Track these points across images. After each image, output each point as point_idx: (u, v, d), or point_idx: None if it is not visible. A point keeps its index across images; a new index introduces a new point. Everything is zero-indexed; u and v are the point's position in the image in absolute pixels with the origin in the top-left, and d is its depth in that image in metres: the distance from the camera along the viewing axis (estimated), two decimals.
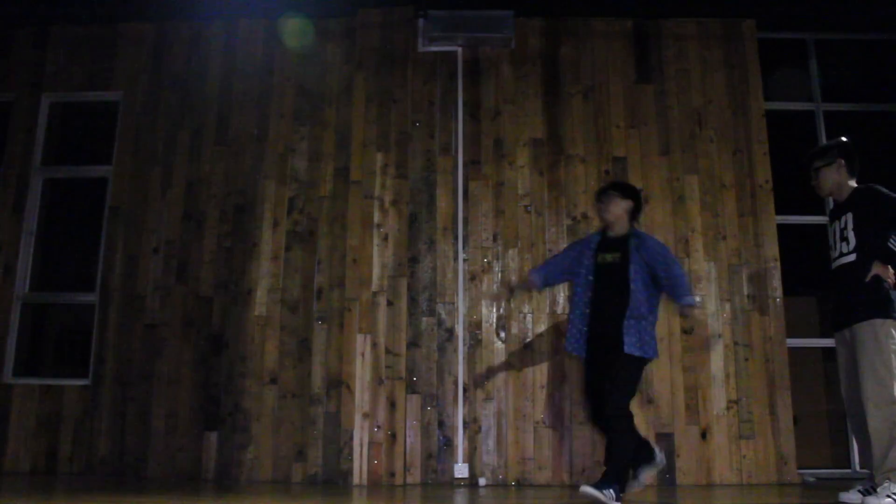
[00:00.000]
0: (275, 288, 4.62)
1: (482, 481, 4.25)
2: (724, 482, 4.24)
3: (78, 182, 5.24)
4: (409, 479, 4.23)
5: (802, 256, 5.07)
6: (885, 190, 3.27)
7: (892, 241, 3.12)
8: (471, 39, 4.79)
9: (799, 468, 4.31)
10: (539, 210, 4.63)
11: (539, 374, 4.39)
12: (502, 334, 4.47)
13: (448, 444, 4.32)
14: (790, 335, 4.52)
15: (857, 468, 4.46)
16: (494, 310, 4.51)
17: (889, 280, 3.16)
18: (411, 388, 4.38)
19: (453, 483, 4.24)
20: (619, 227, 3.43)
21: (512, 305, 4.51)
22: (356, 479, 4.20)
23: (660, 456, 3.46)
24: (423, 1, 4.79)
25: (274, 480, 4.33)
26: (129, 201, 4.85)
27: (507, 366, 4.41)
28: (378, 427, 4.29)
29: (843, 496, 3.21)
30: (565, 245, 4.57)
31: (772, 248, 4.57)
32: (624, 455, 3.21)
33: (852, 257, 3.26)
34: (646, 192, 4.64)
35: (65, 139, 5.26)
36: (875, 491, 3.07)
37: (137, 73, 5.05)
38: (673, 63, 4.85)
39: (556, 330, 4.45)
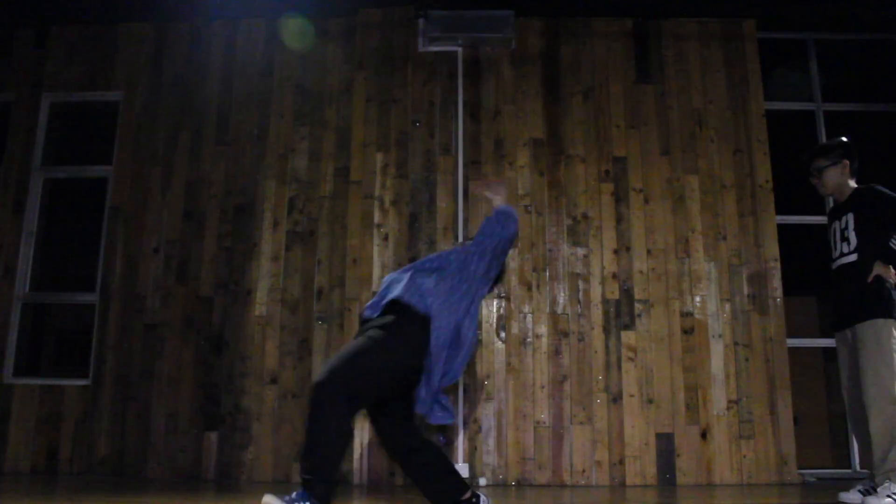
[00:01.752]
0: (275, 288, 4.62)
1: (482, 481, 4.25)
2: (724, 482, 4.24)
3: (78, 182, 5.24)
4: (410, 480, 4.23)
5: (802, 256, 5.07)
6: (886, 190, 3.27)
7: (893, 241, 3.12)
8: (471, 39, 4.79)
9: (799, 468, 4.31)
10: (539, 210, 4.63)
11: (539, 374, 4.40)
12: (502, 334, 4.47)
13: (448, 444, 4.32)
14: (790, 335, 4.52)
15: (857, 468, 4.46)
16: (494, 310, 4.52)
17: (890, 280, 3.17)
18: None
19: None
20: None
21: (512, 305, 4.51)
22: (356, 479, 4.21)
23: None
24: (424, 1, 4.79)
25: (274, 480, 4.33)
26: (129, 201, 4.85)
27: (507, 366, 4.42)
28: None
29: (843, 496, 3.21)
30: (565, 245, 4.59)
31: (772, 248, 4.57)
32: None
33: (853, 257, 3.26)
34: (646, 192, 4.65)
35: (65, 139, 5.26)
36: (875, 491, 3.08)
37: (137, 73, 5.05)
38: (673, 63, 4.85)
39: (556, 330, 4.45)
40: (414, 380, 2.57)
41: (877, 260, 3.18)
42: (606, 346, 4.42)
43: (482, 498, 2.71)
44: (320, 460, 2.32)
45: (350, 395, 2.34)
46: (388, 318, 2.56)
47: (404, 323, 2.54)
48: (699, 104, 4.79)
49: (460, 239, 4.58)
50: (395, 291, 2.62)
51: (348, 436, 2.40)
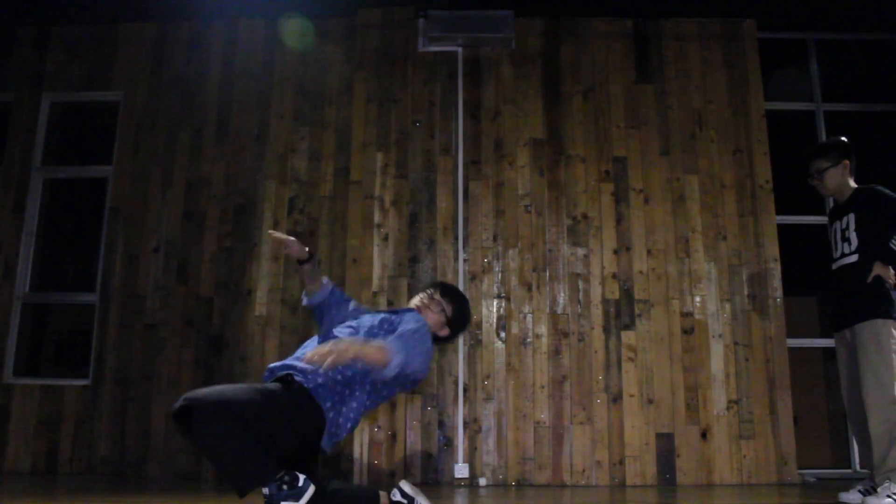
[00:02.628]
0: (275, 288, 4.62)
1: (482, 481, 4.25)
2: (724, 482, 4.24)
3: (78, 182, 5.24)
4: (409, 480, 4.23)
5: (802, 256, 5.07)
6: (886, 190, 3.27)
7: (893, 241, 3.12)
8: (471, 39, 4.79)
9: (799, 468, 4.31)
10: (539, 210, 4.63)
11: (539, 374, 4.39)
12: (502, 334, 4.47)
13: (448, 444, 4.32)
14: (790, 335, 4.52)
15: (857, 468, 4.46)
16: (494, 310, 4.51)
17: (890, 281, 3.17)
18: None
19: (453, 483, 4.24)
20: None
21: (512, 305, 4.51)
22: (356, 479, 4.20)
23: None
24: (423, 1, 4.79)
25: None
26: (129, 201, 4.85)
27: (507, 366, 4.42)
28: (378, 427, 4.29)
29: (843, 496, 3.21)
30: (565, 245, 4.58)
31: (772, 248, 4.57)
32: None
33: (854, 258, 3.26)
34: (646, 192, 4.65)
35: (65, 139, 5.26)
36: (875, 491, 3.07)
37: (137, 73, 5.05)
38: (673, 63, 4.85)
39: (556, 330, 4.45)
40: (304, 449, 2.28)
41: (877, 260, 3.18)
42: (606, 346, 4.42)
43: (396, 491, 2.47)
44: (240, 473, 2.02)
45: (227, 408, 2.01)
46: (285, 390, 2.24)
47: (302, 404, 2.24)
48: (699, 104, 4.79)
49: (460, 239, 4.58)
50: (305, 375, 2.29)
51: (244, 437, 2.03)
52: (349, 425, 2.35)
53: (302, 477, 2.09)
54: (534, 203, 4.64)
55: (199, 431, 1.99)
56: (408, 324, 2.48)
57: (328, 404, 2.27)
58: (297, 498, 2.05)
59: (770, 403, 4.34)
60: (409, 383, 2.54)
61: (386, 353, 2.27)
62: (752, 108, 4.78)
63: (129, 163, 4.92)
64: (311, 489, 2.08)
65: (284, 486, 2.05)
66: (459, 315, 2.70)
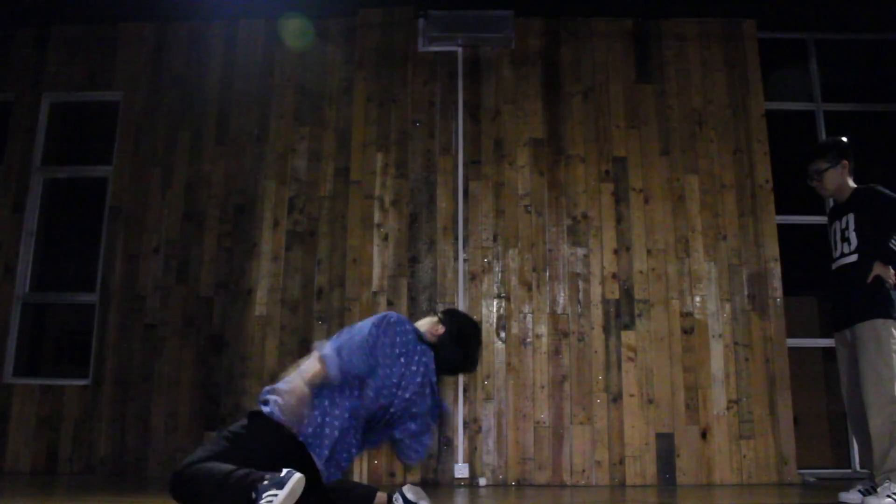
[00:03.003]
0: (275, 288, 4.63)
1: (482, 481, 4.25)
2: (724, 482, 4.24)
3: (78, 182, 5.24)
4: (410, 479, 4.23)
5: (802, 256, 5.07)
6: (886, 190, 3.27)
7: (892, 241, 3.12)
8: (471, 39, 4.79)
9: (799, 468, 4.31)
10: (539, 210, 4.63)
11: (539, 374, 4.39)
12: (502, 334, 4.47)
13: (448, 444, 4.32)
14: (790, 335, 4.52)
15: (857, 468, 4.46)
16: (494, 310, 4.52)
17: (890, 280, 3.17)
18: None
19: (453, 483, 4.24)
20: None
21: (512, 305, 4.51)
22: (356, 479, 4.20)
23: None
24: (424, 1, 4.79)
25: None
26: (129, 201, 4.85)
27: (507, 366, 4.42)
28: None
29: (843, 496, 3.21)
30: (565, 245, 4.58)
31: (772, 248, 4.57)
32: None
33: (854, 258, 3.26)
34: (646, 192, 4.65)
35: (65, 139, 5.26)
36: (875, 491, 3.07)
37: (137, 73, 5.05)
38: (673, 63, 4.85)
39: (556, 330, 4.45)
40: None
41: (876, 260, 3.18)
42: (606, 346, 4.42)
43: (398, 496, 2.41)
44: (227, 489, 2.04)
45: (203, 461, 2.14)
46: (250, 424, 2.26)
47: (267, 433, 2.23)
48: (699, 104, 4.79)
49: (460, 239, 4.57)
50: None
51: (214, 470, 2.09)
52: (329, 443, 2.26)
53: (285, 469, 2.01)
54: (534, 203, 4.64)
55: (181, 492, 2.13)
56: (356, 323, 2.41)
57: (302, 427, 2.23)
58: (280, 486, 1.96)
59: (770, 403, 4.34)
60: (407, 413, 2.40)
61: (317, 359, 2.24)
62: (752, 108, 4.78)
63: (129, 163, 4.92)
64: (295, 478, 1.98)
65: (265, 482, 1.98)
66: (454, 310, 2.66)
